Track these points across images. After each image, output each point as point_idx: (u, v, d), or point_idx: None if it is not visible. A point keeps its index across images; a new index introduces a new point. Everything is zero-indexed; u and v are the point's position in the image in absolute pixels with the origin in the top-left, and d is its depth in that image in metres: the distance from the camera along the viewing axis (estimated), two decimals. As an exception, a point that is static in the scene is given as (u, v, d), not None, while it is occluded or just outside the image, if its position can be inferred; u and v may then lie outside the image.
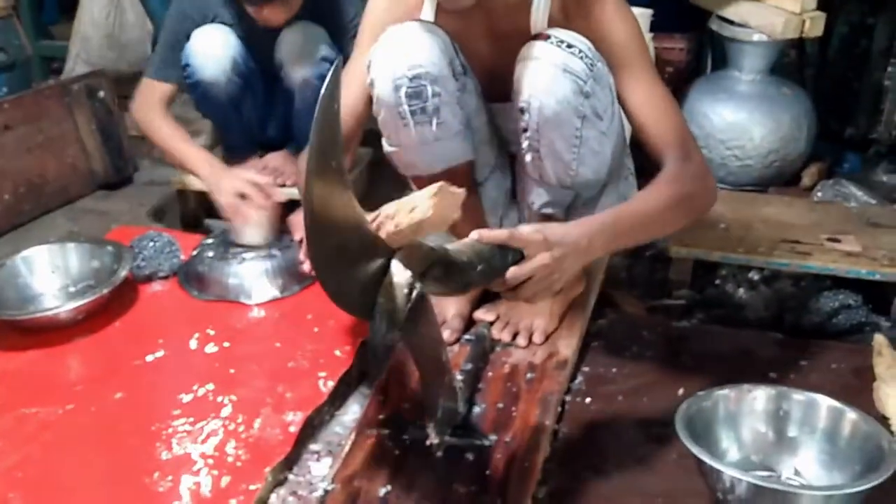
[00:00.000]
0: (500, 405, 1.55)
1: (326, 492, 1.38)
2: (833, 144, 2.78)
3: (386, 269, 1.15)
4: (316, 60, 2.20)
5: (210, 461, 1.44)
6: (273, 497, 1.42)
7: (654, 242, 2.10)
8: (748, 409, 1.41)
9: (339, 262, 1.12)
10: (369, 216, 1.17)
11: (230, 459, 1.45)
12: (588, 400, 1.63)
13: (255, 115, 2.42)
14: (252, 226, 2.03)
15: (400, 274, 1.14)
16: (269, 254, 2.00)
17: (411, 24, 1.55)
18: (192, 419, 1.55)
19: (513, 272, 1.23)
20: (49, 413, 1.58)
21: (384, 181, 2.24)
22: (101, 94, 2.72)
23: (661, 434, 1.48)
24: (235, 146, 2.49)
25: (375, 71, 1.53)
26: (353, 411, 1.65)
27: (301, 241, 1.99)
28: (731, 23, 2.56)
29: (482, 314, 1.80)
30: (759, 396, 1.41)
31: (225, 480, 1.40)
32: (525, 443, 1.45)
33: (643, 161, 1.59)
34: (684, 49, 2.76)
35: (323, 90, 1.06)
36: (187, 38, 2.23)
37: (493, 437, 1.46)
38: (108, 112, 2.72)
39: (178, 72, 2.26)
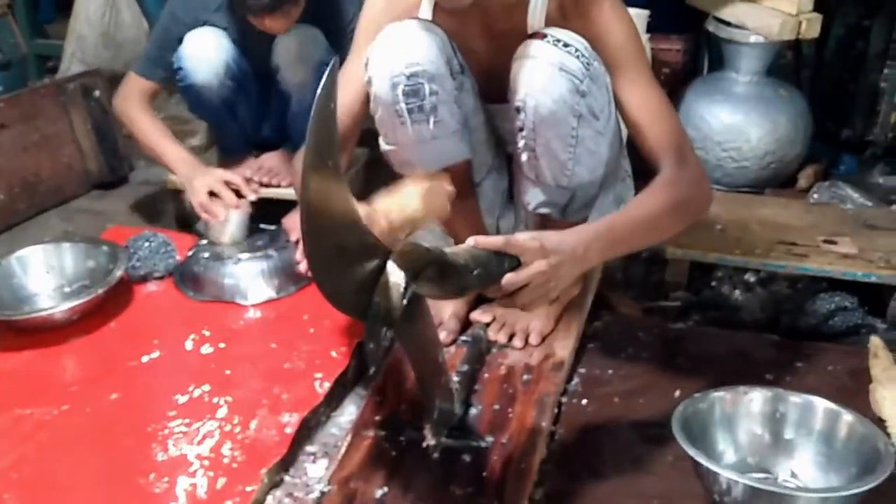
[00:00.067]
0: (497, 407, 1.55)
1: (323, 493, 1.37)
2: (829, 146, 2.78)
3: (382, 269, 1.14)
4: (312, 65, 2.20)
5: (206, 462, 1.44)
6: (269, 498, 1.41)
7: (650, 244, 2.10)
8: (744, 411, 1.41)
9: (336, 262, 1.12)
10: (362, 209, 1.17)
11: (226, 461, 1.45)
12: (584, 401, 1.63)
13: (249, 116, 2.42)
14: (224, 224, 2.05)
15: (396, 274, 1.14)
16: (266, 254, 2.00)
17: (409, 22, 1.55)
18: (187, 420, 1.54)
19: (509, 278, 1.23)
20: (44, 413, 1.57)
21: (380, 181, 2.23)
22: (97, 93, 2.72)
23: (657, 436, 1.47)
24: (230, 147, 2.49)
25: (373, 69, 1.53)
26: (349, 412, 1.65)
27: (297, 242, 1.99)
28: (728, 24, 2.57)
29: (479, 315, 1.79)
30: (756, 398, 1.41)
31: (221, 482, 1.40)
32: (521, 444, 1.45)
33: (640, 162, 1.59)
34: (681, 50, 2.76)
35: (319, 90, 1.06)
36: (178, 41, 2.22)
37: (489, 439, 1.46)
38: (103, 111, 2.71)
39: (162, 72, 2.26)
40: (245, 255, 1.99)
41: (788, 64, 2.87)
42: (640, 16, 2.35)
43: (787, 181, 2.63)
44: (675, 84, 2.69)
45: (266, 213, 2.15)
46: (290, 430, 1.51)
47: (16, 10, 3.38)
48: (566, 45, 1.46)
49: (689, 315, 2.03)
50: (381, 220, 1.43)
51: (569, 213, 1.63)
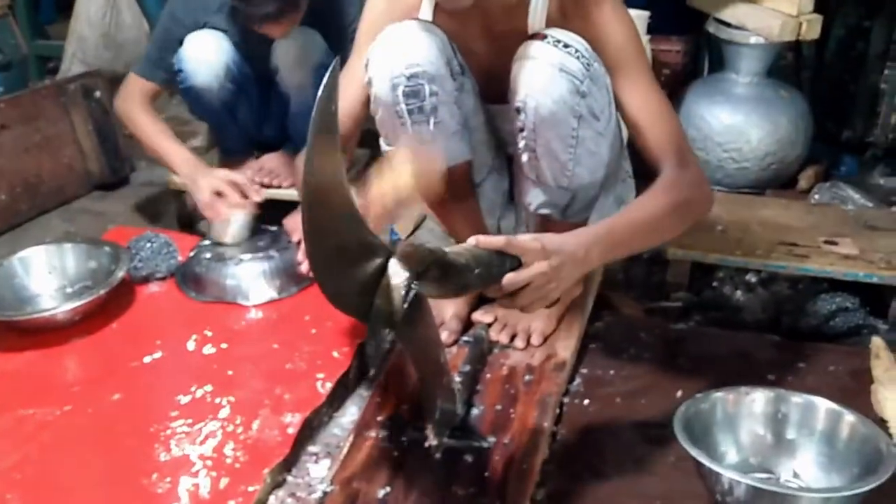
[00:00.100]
0: (499, 407, 1.55)
1: (325, 493, 1.37)
2: (830, 147, 2.79)
3: (384, 269, 1.15)
4: (311, 67, 2.20)
5: (208, 462, 1.44)
6: (272, 499, 1.41)
7: (651, 245, 2.10)
8: (746, 411, 1.41)
9: (338, 262, 1.12)
10: (358, 201, 1.17)
11: (228, 461, 1.45)
12: (586, 402, 1.63)
13: (250, 118, 2.42)
14: (228, 224, 2.05)
15: (398, 275, 1.14)
16: (267, 255, 2.00)
17: (410, 23, 1.55)
18: (190, 420, 1.54)
19: (509, 278, 1.23)
20: (46, 414, 1.57)
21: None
22: (98, 94, 2.72)
23: (659, 436, 1.47)
24: (231, 148, 2.49)
25: (373, 69, 1.53)
26: (351, 413, 1.65)
27: (299, 243, 1.99)
28: (728, 25, 2.57)
29: (480, 316, 1.80)
30: (758, 399, 1.41)
31: (223, 482, 1.40)
32: (523, 445, 1.45)
33: (641, 163, 1.59)
34: (681, 51, 2.76)
35: (320, 91, 1.06)
36: (179, 42, 2.23)
37: (491, 439, 1.46)
38: (104, 112, 2.72)
39: (162, 73, 2.26)
40: (247, 256, 1.99)
41: (789, 65, 2.88)
42: (640, 17, 2.35)
43: (787, 182, 2.63)
44: (676, 85, 2.69)
45: (267, 214, 2.15)
46: (292, 431, 1.51)
47: (16, 11, 3.39)
48: (566, 46, 1.46)
49: (690, 315, 2.03)
50: (376, 205, 1.42)
51: (569, 214, 1.64)
